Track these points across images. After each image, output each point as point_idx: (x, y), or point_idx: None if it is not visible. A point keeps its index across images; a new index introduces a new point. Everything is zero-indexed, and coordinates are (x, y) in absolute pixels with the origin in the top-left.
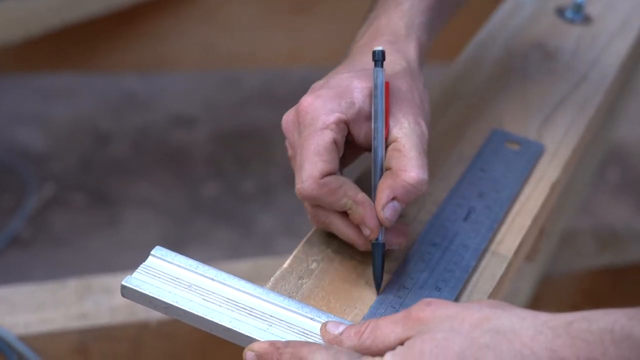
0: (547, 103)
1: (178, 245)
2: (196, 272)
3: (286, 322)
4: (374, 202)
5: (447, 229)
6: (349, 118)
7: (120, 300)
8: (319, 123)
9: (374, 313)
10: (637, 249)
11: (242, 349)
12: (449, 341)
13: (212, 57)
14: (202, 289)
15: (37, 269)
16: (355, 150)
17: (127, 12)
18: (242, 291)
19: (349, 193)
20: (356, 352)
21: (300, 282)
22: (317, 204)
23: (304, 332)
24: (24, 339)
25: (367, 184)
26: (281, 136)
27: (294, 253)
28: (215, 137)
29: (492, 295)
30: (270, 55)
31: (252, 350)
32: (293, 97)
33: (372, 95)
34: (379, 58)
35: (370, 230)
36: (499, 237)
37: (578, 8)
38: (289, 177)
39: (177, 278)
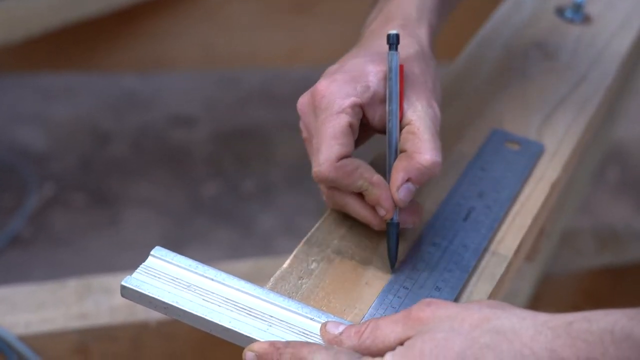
0: (547, 103)
1: (178, 245)
2: (196, 272)
3: (286, 322)
4: (388, 183)
5: (447, 229)
6: (364, 102)
7: (120, 300)
8: (335, 107)
9: (374, 313)
10: (637, 248)
11: (242, 349)
12: (449, 341)
13: (212, 57)
14: (202, 289)
15: (37, 269)
16: (368, 132)
17: (126, 12)
18: (242, 291)
19: (365, 175)
20: (356, 352)
21: (300, 282)
22: (334, 186)
23: (303, 333)
24: (24, 338)
25: (380, 167)
26: (281, 136)
27: (293, 253)
28: (215, 137)
29: (492, 295)
30: (270, 55)
31: (252, 351)
32: (293, 97)
33: (386, 78)
34: (393, 42)
35: (385, 211)
36: (498, 236)
37: (578, 8)
38: (289, 177)
39: (177, 278)
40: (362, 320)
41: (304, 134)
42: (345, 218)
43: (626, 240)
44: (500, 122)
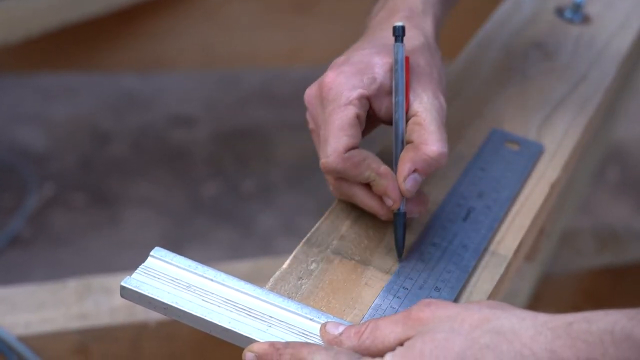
0: (546, 103)
1: (178, 245)
2: (195, 273)
3: (285, 322)
4: (395, 174)
5: (446, 229)
6: (370, 93)
7: (120, 300)
8: (343, 99)
9: (374, 314)
10: (637, 248)
11: (242, 349)
12: (449, 342)
13: (211, 57)
14: (201, 289)
15: (37, 269)
16: (375, 123)
17: (127, 12)
18: (242, 292)
19: (372, 166)
20: (356, 353)
21: (299, 282)
22: (341, 177)
23: (303, 333)
24: (24, 339)
25: (387, 158)
26: (281, 136)
27: (293, 253)
28: (215, 137)
29: (492, 295)
30: (270, 55)
31: (252, 351)
32: (293, 97)
33: (392, 70)
34: (399, 33)
35: (392, 201)
36: (498, 237)
37: (577, 8)
38: (289, 177)
39: (176, 279)
40: (362, 321)
41: (311, 125)
42: (345, 218)
43: (626, 240)
44: (500, 122)
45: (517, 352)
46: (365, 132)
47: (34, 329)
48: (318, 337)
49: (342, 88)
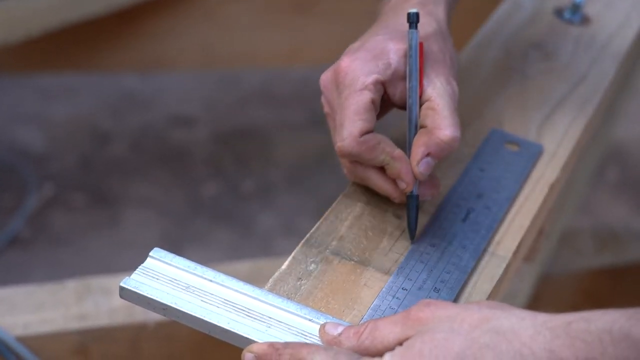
0: (546, 103)
1: (178, 245)
2: (194, 274)
3: (285, 323)
4: (408, 157)
5: (445, 230)
6: (385, 79)
7: (119, 301)
8: (358, 84)
9: (373, 314)
10: (637, 248)
11: (241, 350)
12: (449, 341)
13: (211, 57)
14: (201, 290)
15: (37, 269)
16: (388, 107)
17: (127, 12)
18: (241, 292)
19: (387, 149)
20: (355, 353)
21: (298, 283)
22: (356, 160)
23: (302, 334)
24: (23, 339)
25: (400, 142)
26: (281, 136)
27: (292, 254)
28: (215, 137)
29: (491, 295)
30: (270, 55)
31: (251, 352)
32: (293, 97)
33: (406, 56)
34: (413, 20)
35: (406, 184)
36: (497, 237)
37: (576, 8)
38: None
39: (176, 279)
40: (361, 322)
41: (326, 109)
42: (344, 219)
43: (626, 240)
44: (500, 123)
45: (516, 351)
46: (378, 116)
47: (33, 330)
48: (317, 338)
49: (357, 73)
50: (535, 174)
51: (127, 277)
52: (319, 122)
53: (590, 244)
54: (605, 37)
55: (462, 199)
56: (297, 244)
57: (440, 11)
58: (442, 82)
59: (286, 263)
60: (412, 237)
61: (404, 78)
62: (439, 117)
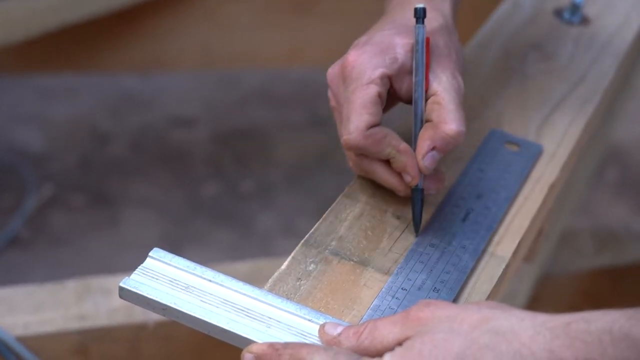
0: (545, 103)
1: (177, 245)
2: (194, 274)
3: (284, 323)
4: (414, 151)
5: (445, 230)
6: (392, 73)
7: (119, 301)
8: (365, 78)
9: (372, 314)
10: (636, 249)
11: (240, 350)
12: (449, 342)
13: (211, 57)
14: (200, 290)
15: (37, 269)
16: (394, 101)
17: (126, 12)
18: (240, 293)
19: (393, 143)
20: (355, 353)
21: (298, 283)
22: (362, 154)
23: (302, 334)
24: (22, 339)
25: (405, 136)
26: (281, 136)
27: (292, 254)
28: (215, 137)
29: (491, 296)
30: (270, 55)
31: (251, 352)
32: (293, 97)
33: (413, 50)
34: (420, 15)
35: (411, 177)
36: (497, 238)
37: (576, 9)
38: (289, 177)
39: (175, 280)
40: (361, 322)
41: (332, 103)
42: (343, 219)
43: (625, 240)
44: (499, 123)
45: (516, 352)
46: (384, 110)
47: (33, 330)
48: (317, 338)
49: (364, 67)
50: (535, 174)
51: (127, 278)
52: (319, 122)
53: (590, 245)
54: (605, 38)
55: (461, 199)
56: (296, 244)
57: (446, 7)
58: (448, 76)
59: (286, 263)
60: (417, 230)
61: (410, 72)
62: (445, 112)
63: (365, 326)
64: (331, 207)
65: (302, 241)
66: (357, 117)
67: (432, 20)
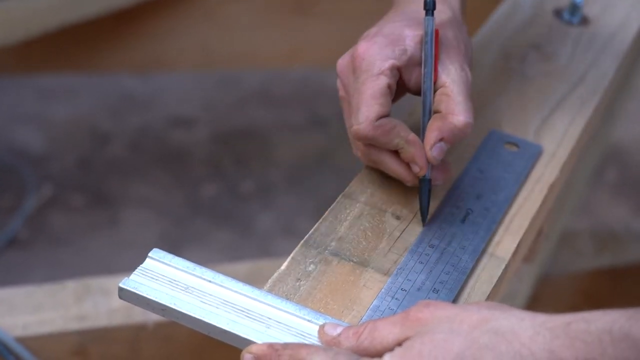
0: (545, 104)
1: (177, 245)
2: (193, 274)
3: (284, 324)
4: (422, 142)
5: (444, 231)
6: (401, 64)
7: (118, 302)
8: (375, 69)
9: (372, 315)
10: (636, 249)
11: (240, 351)
12: (448, 342)
13: (211, 57)
14: (200, 291)
15: (36, 269)
16: (403, 92)
17: (126, 12)
18: (240, 293)
19: (401, 134)
20: (354, 354)
21: (298, 284)
22: (371, 144)
23: (301, 334)
24: (22, 340)
25: (413, 127)
26: (281, 136)
27: (291, 255)
28: (215, 137)
29: (490, 296)
30: (270, 55)
31: (250, 353)
32: (293, 97)
33: (422, 42)
34: (430, 7)
35: (419, 168)
36: (496, 238)
37: (576, 9)
38: (289, 177)
39: (175, 280)
40: (360, 322)
41: (341, 94)
42: (343, 220)
43: (625, 241)
44: (499, 124)
45: (516, 352)
46: (393, 101)
47: (33, 330)
48: (316, 339)
49: (374, 58)
50: (535, 174)
51: (126, 278)
52: (319, 122)
53: (590, 245)
54: (605, 38)
55: (461, 199)
56: (296, 245)
57: (455, 0)
58: (457, 68)
59: (285, 264)
60: (424, 220)
61: (419, 64)
62: (453, 103)
63: (364, 327)
64: (331, 207)
65: (302, 242)
66: (366, 107)
67: (441, 13)
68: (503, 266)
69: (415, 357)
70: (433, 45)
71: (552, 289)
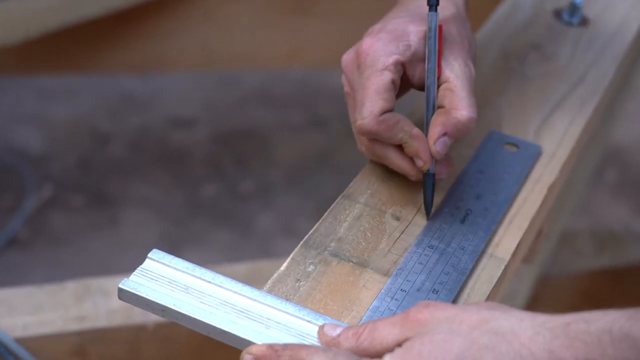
0: (545, 104)
1: (177, 246)
2: (193, 275)
3: (284, 324)
4: (426, 136)
5: (444, 231)
6: (405, 60)
7: (118, 302)
8: (379, 64)
9: (372, 315)
10: (636, 249)
11: (240, 352)
12: (448, 342)
13: (211, 58)
14: (199, 291)
15: (36, 270)
16: (407, 88)
17: (126, 13)
18: (240, 294)
19: (405, 128)
20: (354, 354)
21: (297, 284)
22: (375, 139)
23: (301, 335)
24: (22, 340)
25: (417, 121)
26: (281, 136)
27: (291, 255)
28: (215, 138)
29: (490, 297)
30: (270, 56)
31: (250, 353)
32: (293, 98)
33: (426, 38)
34: (433, 3)
35: (423, 162)
36: (496, 239)
37: (575, 10)
38: (288, 177)
39: (174, 281)
40: (360, 323)
41: (346, 89)
42: (343, 220)
43: (625, 241)
44: (498, 124)
45: (516, 352)
46: (397, 96)
47: (32, 331)
48: (316, 339)
49: (379, 54)
50: (534, 175)
51: (126, 279)
52: (319, 122)
53: (590, 245)
54: (605, 38)
55: (460, 200)
56: (296, 245)
57: None
58: (460, 64)
59: (285, 264)
60: (428, 214)
61: (423, 59)
62: (457, 98)
63: (364, 327)
64: (330, 208)
65: (302, 242)
66: (371, 102)
67: (445, 9)
68: (503, 266)
69: (415, 357)
70: (436, 40)
71: (552, 289)
